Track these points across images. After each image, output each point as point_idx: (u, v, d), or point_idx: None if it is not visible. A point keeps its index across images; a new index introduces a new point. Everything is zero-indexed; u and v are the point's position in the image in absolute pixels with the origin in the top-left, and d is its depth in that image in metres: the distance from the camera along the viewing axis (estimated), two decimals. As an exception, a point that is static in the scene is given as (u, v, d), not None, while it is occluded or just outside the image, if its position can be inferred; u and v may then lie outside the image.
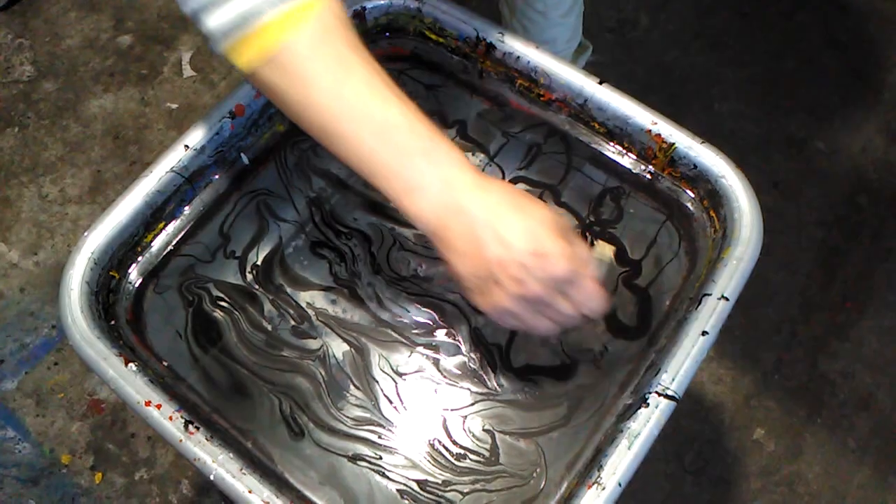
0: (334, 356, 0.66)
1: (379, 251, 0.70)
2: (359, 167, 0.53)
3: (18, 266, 1.33)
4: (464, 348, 0.66)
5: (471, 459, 0.62)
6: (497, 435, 0.63)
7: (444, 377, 0.65)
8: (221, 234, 0.70)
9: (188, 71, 1.53)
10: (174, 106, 1.49)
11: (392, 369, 0.66)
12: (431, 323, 0.67)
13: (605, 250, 0.61)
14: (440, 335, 0.67)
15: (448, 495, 0.61)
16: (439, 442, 0.63)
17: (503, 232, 0.50)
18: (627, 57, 1.54)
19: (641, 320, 0.67)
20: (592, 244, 0.68)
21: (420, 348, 0.66)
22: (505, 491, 0.61)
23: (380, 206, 0.72)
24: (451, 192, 0.51)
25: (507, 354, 0.66)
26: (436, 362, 0.66)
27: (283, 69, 0.51)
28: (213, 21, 0.50)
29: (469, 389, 0.65)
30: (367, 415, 0.64)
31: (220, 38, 0.51)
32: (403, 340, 0.67)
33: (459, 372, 0.66)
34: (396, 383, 0.65)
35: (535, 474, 0.61)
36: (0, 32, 1.57)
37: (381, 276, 0.69)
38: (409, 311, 0.68)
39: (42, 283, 1.31)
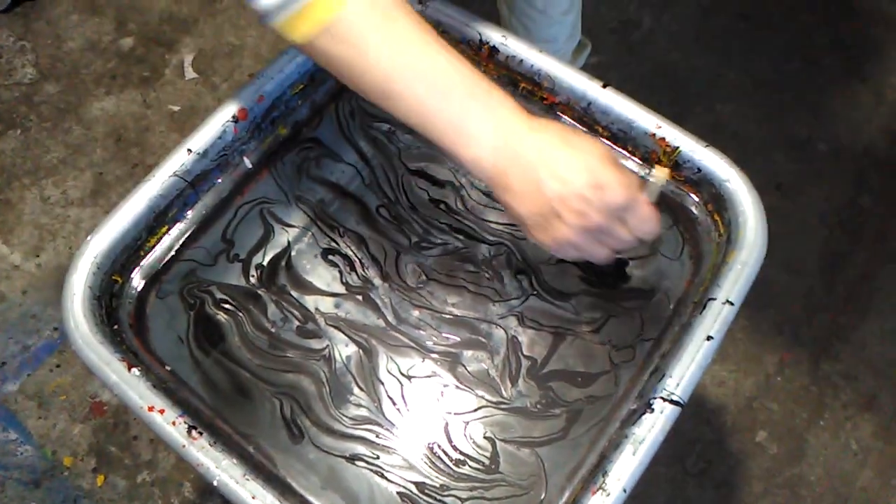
0: (340, 356, 0.66)
1: (386, 261, 0.71)
2: (416, 123, 0.55)
3: (20, 268, 1.32)
4: (490, 358, 0.67)
5: (470, 466, 0.62)
6: (498, 443, 0.63)
7: (459, 382, 0.65)
8: (224, 239, 0.70)
9: (190, 73, 1.53)
10: (176, 108, 1.49)
11: (400, 372, 0.66)
12: (456, 338, 0.68)
13: (661, 173, 0.61)
14: (462, 346, 0.67)
15: (447, 500, 0.61)
16: (439, 446, 0.63)
17: (560, 169, 0.53)
18: (630, 58, 1.54)
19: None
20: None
21: (435, 355, 0.67)
22: (504, 500, 0.61)
23: (372, 218, 0.73)
24: (506, 137, 0.54)
25: (544, 362, 0.66)
26: (452, 368, 0.66)
27: (338, 38, 0.53)
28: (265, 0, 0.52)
29: (478, 396, 0.65)
30: (367, 414, 0.64)
31: (274, 13, 0.53)
32: (416, 346, 0.67)
33: (475, 379, 0.66)
34: (402, 385, 0.65)
35: (535, 484, 0.61)
36: (2, 34, 1.57)
37: (392, 284, 0.70)
38: (428, 324, 0.68)
39: (44, 286, 1.31)
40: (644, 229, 0.56)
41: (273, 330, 0.67)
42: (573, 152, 0.53)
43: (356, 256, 0.71)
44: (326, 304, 0.68)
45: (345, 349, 0.67)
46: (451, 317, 0.68)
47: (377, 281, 0.70)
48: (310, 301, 0.68)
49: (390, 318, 0.68)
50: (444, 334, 0.68)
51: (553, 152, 0.53)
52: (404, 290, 0.69)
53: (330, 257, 0.70)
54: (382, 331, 0.68)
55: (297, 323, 0.67)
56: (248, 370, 0.65)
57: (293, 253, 0.70)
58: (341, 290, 0.69)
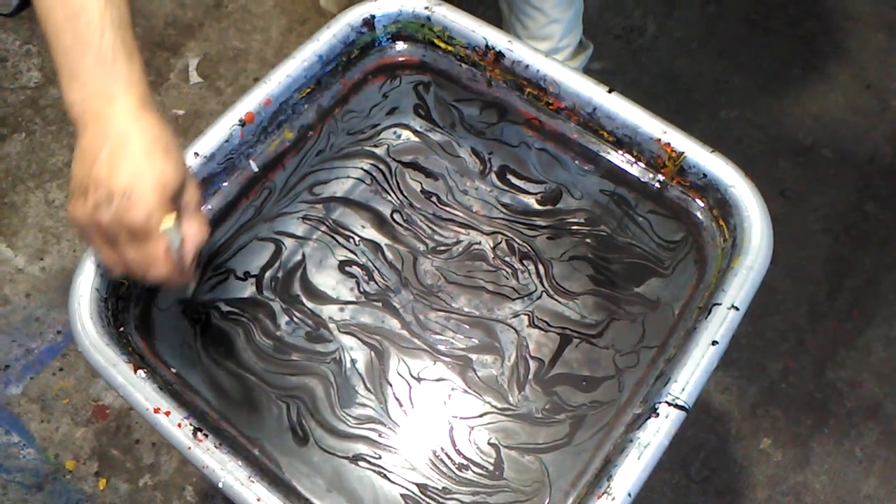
0: (351, 358, 0.67)
1: (404, 267, 0.71)
2: (49, 38, 0.55)
3: (24, 271, 1.33)
4: (500, 363, 0.67)
5: (473, 471, 0.62)
6: (502, 450, 0.63)
7: (468, 386, 0.66)
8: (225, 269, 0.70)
9: (195, 77, 1.53)
10: (180, 112, 1.49)
11: (410, 374, 0.66)
12: (472, 340, 0.68)
13: (169, 219, 0.55)
14: (475, 350, 0.68)
15: (449, 503, 0.61)
16: (442, 450, 0.63)
17: (117, 160, 0.52)
18: (634, 64, 1.54)
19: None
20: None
21: (447, 359, 0.67)
22: (508, 505, 0.61)
23: (387, 224, 0.73)
24: (107, 102, 0.53)
25: (550, 365, 0.67)
26: (462, 372, 0.66)
27: None
28: None
29: (485, 402, 0.65)
30: (372, 414, 0.64)
31: None
32: (429, 350, 0.67)
33: (484, 385, 0.66)
34: (411, 387, 0.66)
35: (538, 491, 0.61)
36: (8, 38, 1.58)
37: (412, 290, 0.70)
38: (444, 325, 0.69)
39: (48, 289, 1.31)
40: (147, 260, 0.54)
41: (280, 335, 0.67)
42: (142, 157, 0.52)
43: (373, 265, 0.71)
44: (342, 313, 0.69)
45: (356, 351, 0.67)
46: (468, 318, 0.69)
47: (396, 287, 0.70)
48: (324, 310, 0.69)
49: (410, 322, 0.69)
50: (460, 336, 0.68)
51: (127, 144, 0.52)
52: (424, 294, 0.70)
53: (347, 269, 0.71)
54: (397, 334, 0.68)
55: (307, 329, 0.68)
56: (256, 374, 0.65)
57: (307, 264, 0.71)
58: (360, 298, 0.70)
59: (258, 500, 0.53)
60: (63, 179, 1.41)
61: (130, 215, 0.51)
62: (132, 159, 0.52)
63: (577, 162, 0.72)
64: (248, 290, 0.70)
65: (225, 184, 0.70)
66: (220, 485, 0.54)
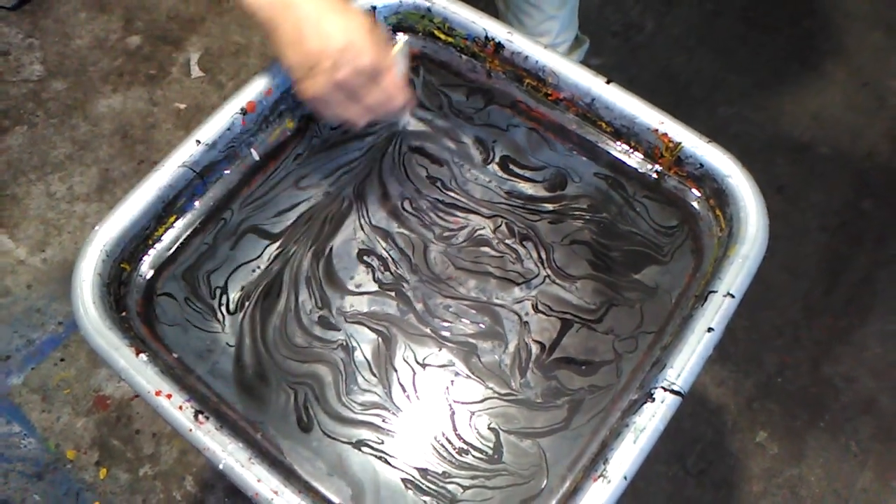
0: (359, 345, 0.68)
1: (414, 254, 0.72)
2: None
3: (26, 263, 1.33)
4: (503, 348, 0.68)
5: (473, 455, 0.63)
6: (502, 434, 0.64)
7: (471, 372, 0.67)
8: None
9: (196, 71, 1.54)
10: (182, 106, 1.50)
11: (416, 360, 0.67)
12: (478, 325, 0.69)
13: (399, 42, 0.67)
14: (480, 336, 0.68)
15: (449, 487, 0.62)
16: (443, 434, 0.64)
17: (325, 30, 0.60)
18: (632, 61, 1.55)
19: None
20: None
21: (452, 345, 0.68)
22: (506, 488, 0.62)
23: (397, 212, 0.74)
24: None
25: (551, 349, 0.67)
26: (467, 358, 0.67)
27: None
28: None
29: (488, 387, 0.66)
30: (377, 399, 0.65)
31: None
32: (434, 336, 0.68)
33: (488, 370, 0.67)
34: (415, 373, 0.66)
35: (536, 474, 0.62)
36: (11, 32, 1.58)
37: (422, 277, 0.71)
38: (452, 311, 0.69)
39: (49, 280, 1.32)
40: (387, 93, 0.64)
41: (296, 322, 0.68)
42: (338, 16, 0.60)
43: (388, 254, 0.72)
44: (355, 301, 0.70)
45: (365, 338, 0.68)
46: (475, 303, 0.70)
47: (408, 275, 0.71)
48: (337, 297, 0.70)
49: (419, 309, 0.70)
50: (466, 321, 0.69)
51: (321, 12, 0.60)
52: (433, 281, 0.71)
53: (365, 258, 0.72)
54: (405, 321, 0.69)
55: (318, 314, 0.69)
56: (272, 359, 0.66)
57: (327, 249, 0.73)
58: (373, 287, 0.71)
59: (258, 480, 0.54)
60: (65, 172, 1.42)
61: (362, 61, 0.61)
62: (336, 22, 0.60)
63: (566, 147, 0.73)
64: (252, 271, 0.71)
65: (227, 171, 0.70)
66: (221, 466, 0.55)
